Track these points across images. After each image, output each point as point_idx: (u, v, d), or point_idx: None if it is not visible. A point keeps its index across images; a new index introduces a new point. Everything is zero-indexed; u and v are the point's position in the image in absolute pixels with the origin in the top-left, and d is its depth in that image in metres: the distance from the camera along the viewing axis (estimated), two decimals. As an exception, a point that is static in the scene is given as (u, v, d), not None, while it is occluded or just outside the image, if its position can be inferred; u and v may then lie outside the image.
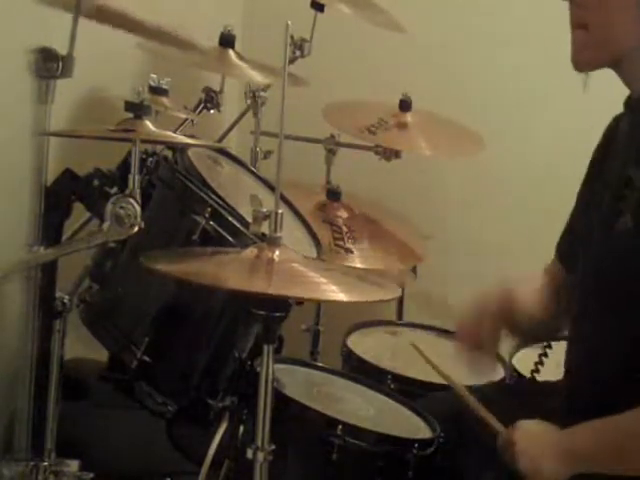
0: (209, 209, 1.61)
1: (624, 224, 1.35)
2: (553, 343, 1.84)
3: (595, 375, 1.45)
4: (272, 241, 1.36)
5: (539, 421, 1.44)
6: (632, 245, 1.35)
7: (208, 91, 2.25)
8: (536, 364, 1.86)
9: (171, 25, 1.52)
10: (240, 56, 2.18)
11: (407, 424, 1.74)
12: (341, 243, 2.24)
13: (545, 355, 1.86)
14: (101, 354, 1.80)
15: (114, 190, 1.50)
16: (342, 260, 2.17)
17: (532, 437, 1.41)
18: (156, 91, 1.94)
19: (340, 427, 1.55)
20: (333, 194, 2.36)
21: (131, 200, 1.35)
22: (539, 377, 1.85)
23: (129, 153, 1.42)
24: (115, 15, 1.45)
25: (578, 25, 1.42)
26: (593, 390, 1.44)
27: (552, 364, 1.78)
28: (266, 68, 2.13)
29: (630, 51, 1.40)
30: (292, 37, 2.25)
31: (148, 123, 1.43)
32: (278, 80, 2.05)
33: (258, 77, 2.16)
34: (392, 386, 1.93)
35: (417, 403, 1.77)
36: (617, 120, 1.53)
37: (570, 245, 1.63)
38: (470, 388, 1.61)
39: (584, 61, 1.44)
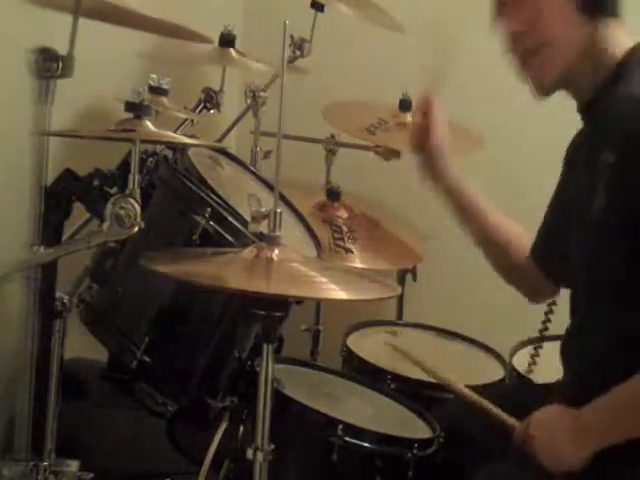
0: (209, 209, 1.61)
1: (598, 204, 1.36)
2: (551, 343, 1.83)
3: (592, 362, 1.45)
4: (271, 240, 1.36)
5: (552, 406, 1.42)
6: (607, 221, 1.36)
7: (208, 91, 2.25)
8: (529, 365, 1.86)
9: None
10: (241, 53, 2.18)
11: (407, 424, 1.75)
12: (341, 243, 2.24)
13: (537, 355, 1.86)
14: (101, 354, 1.80)
15: (114, 190, 1.50)
16: (342, 260, 2.17)
17: (546, 426, 1.40)
18: (156, 91, 1.94)
19: (340, 427, 1.56)
20: (333, 194, 2.37)
21: (131, 200, 1.35)
22: (539, 378, 1.85)
23: (129, 153, 1.42)
24: (114, 10, 1.45)
25: (534, 50, 1.44)
26: (592, 381, 1.44)
27: (553, 365, 1.77)
28: (267, 63, 2.13)
29: (577, 59, 1.42)
30: (292, 37, 2.26)
31: (148, 123, 1.43)
32: (279, 73, 2.05)
33: (260, 67, 2.16)
34: (392, 386, 1.93)
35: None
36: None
37: (544, 244, 1.67)
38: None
39: (551, 82, 1.45)
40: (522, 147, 2.63)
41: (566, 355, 1.53)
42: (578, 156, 1.53)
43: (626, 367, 1.32)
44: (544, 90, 1.47)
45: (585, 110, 1.49)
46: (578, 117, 1.52)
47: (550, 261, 1.65)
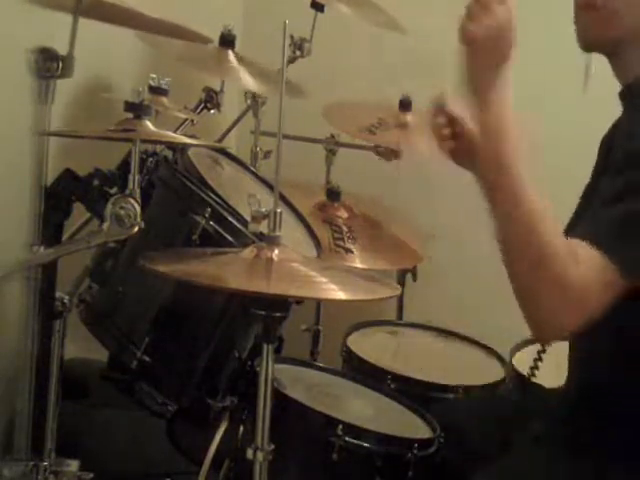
0: (209, 209, 1.61)
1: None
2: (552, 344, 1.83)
3: (592, 372, 1.44)
4: (271, 240, 1.36)
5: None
6: None
7: (208, 91, 2.25)
8: (534, 362, 1.86)
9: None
10: (239, 58, 2.17)
11: (407, 424, 1.74)
12: (341, 243, 2.24)
13: (543, 353, 1.85)
14: (101, 354, 1.80)
15: (114, 190, 1.50)
16: (342, 260, 2.17)
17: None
18: (156, 91, 1.94)
19: (340, 427, 1.56)
20: (333, 194, 2.37)
21: (131, 200, 1.35)
22: (538, 379, 1.85)
23: (129, 153, 1.42)
24: (114, 10, 1.45)
25: (586, 5, 1.39)
26: (592, 391, 1.43)
27: (552, 365, 1.77)
28: (265, 73, 2.12)
29: (632, 33, 1.38)
30: (292, 37, 2.26)
31: (148, 123, 1.43)
32: (274, 88, 2.05)
33: (254, 85, 2.15)
34: (392, 386, 1.93)
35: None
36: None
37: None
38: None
39: (589, 41, 1.41)
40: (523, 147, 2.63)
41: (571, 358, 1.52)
42: (612, 146, 1.46)
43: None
44: (586, 47, 1.43)
45: (623, 95, 1.44)
46: (578, 117, 1.50)
47: None
